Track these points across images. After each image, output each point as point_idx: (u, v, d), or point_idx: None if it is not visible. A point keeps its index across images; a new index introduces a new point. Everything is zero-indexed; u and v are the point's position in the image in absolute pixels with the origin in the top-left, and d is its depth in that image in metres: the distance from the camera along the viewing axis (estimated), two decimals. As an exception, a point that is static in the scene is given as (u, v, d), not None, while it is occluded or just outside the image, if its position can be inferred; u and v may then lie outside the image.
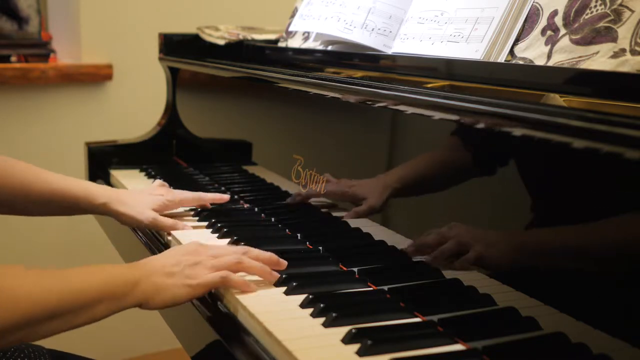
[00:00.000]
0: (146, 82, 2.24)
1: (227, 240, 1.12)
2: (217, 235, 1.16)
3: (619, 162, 0.64)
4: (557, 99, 0.79)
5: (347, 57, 1.23)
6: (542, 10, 0.96)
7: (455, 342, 0.78)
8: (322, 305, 0.85)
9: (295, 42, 1.49)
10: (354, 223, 1.09)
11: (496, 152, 0.84)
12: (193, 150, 1.76)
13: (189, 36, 1.75)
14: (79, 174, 1.85)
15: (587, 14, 0.89)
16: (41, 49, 2.21)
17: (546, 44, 0.94)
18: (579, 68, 0.86)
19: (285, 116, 1.38)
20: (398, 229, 0.99)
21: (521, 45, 0.97)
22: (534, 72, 0.87)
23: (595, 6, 0.89)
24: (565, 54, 0.90)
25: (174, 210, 1.28)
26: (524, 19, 0.98)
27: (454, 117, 0.87)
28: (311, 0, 1.38)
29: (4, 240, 2.17)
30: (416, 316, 0.85)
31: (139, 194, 1.27)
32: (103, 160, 1.72)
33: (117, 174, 1.62)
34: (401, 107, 0.96)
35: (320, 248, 1.09)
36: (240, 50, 1.56)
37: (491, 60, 0.99)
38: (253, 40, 1.59)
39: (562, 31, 0.92)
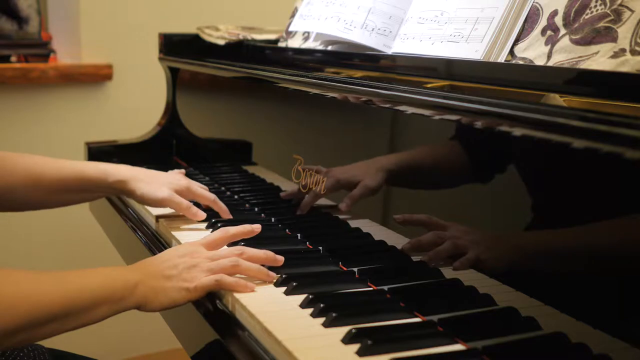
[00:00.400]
0: (146, 82, 2.24)
1: (227, 240, 1.12)
2: (217, 235, 1.16)
3: (619, 162, 0.64)
4: (557, 99, 0.79)
5: (347, 57, 1.23)
6: (542, 10, 0.96)
7: (455, 342, 0.78)
8: (322, 305, 0.85)
9: (295, 42, 1.49)
10: (353, 223, 1.09)
11: (496, 152, 0.84)
12: (193, 150, 1.76)
13: (189, 36, 1.75)
14: (79, 174, 1.85)
15: (587, 14, 0.89)
16: (41, 49, 2.21)
17: (546, 44, 0.94)
18: (579, 68, 0.86)
19: (285, 116, 1.38)
20: (398, 229, 0.99)
21: (521, 45, 0.97)
22: (534, 72, 0.87)
23: (595, 6, 0.89)
24: (565, 54, 0.90)
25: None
26: (524, 19, 0.98)
27: (454, 117, 0.87)
28: (311, 0, 1.38)
29: (4, 240, 2.17)
30: (416, 316, 0.85)
31: (155, 172, 1.26)
32: (103, 160, 1.71)
33: (117, 174, 1.62)
34: (401, 107, 0.96)
35: (320, 248, 1.09)
36: (240, 50, 1.56)
37: (491, 60, 0.99)
38: (253, 40, 1.59)
39: (562, 31, 0.92)
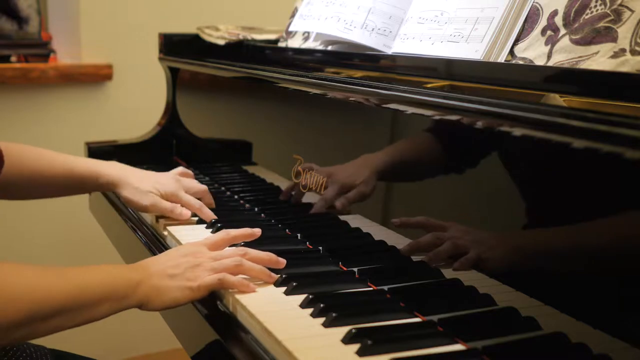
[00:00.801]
0: (146, 82, 2.24)
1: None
2: (217, 235, 1.16)
3: (619, 162, 0.64)
4: (557, 99, 0.79)
5: (347, 57, 1.23)
6: (542, 10, 0.96)
7: (455, 342, 0.78)
8: (322, 305, 0.85)
9: (295, 42, 1.49)
10: (354, 223, 1.09)
11: (497, 152, 0.84)
12: (193, 150, 1.76)
13: (189, 36, 1.75)
14: (79, 174, 1.85)
15: (587, 14, 0.89)
16: (41, 49, 2.21)
17: (546, 44, 0.94)
18: (579, 68, 0.86)
19: (285, 116, 1.38)
20: (398, 229, 0.99)
21: (521, 45, 0.97)
22: (534, 72, 0.87)
23: (595, 6, 0.89)
24: (565, 54, 0.90)
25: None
26: (524, 19, 0.98)
27: (454, 117, 0.87)
28: (311, 0, 1.38)
29: (4, 240, 2.17)
30: (416, 316, 0.85)
31: (145, 175, 1.27)
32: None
33: (117, 174, 1.62)
34: (401, 107, 0.96)
35: (320, 248, 1.09)
36: (240, 50, 1.56)
37: (491, 60, 0.99)
38: (253, 40, 1.59)
39: (562, 31, 0.92)
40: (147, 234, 1.25)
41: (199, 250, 0.96)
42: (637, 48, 0.82)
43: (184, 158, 1.76)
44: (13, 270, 0.81)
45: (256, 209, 1.31)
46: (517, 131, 0.76)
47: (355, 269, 0.99)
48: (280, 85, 1.27)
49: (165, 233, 1.21)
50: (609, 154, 0.65)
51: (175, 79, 1.80)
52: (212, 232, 1.18)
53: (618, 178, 0.68)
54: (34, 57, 2.19)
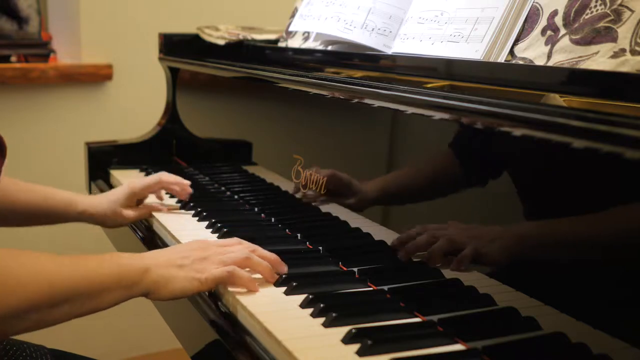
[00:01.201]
0: (146, 82, 2.24)
1: (227, 240, 1.12)
2: (217, 235, 1.16)
3: (619, 162, 0.64)
4: (557, 99, 0.79)
5: (347, 57, 1.23)
6: (542, 10, 0.96)
7: (455, 342, 0.78)
8: (322, 305, 0.85)
9: (295, 42, 1.49)
10: (354, 223, 1.09)
11: (497, 152, 0.84)
12: (193, 150, 1.76)
13: (189, 36, 1.75)
14: (79, 174, 1.85)
15: (587, 14, 0.89)
16: (41, 49, 2.21)
17: (546, 44, 0.94)
18: (579, 68, 0.86)
19: (285, 116, 1.38)
20: (398, 229, 0.99)
21: (521, 45, 0.97)
22: (534, 72, 0.87)
23: (595, 6, 0.89)
24: (565, 54, 0.90)
25: (180, 211, 1.30)
26: (524, 19, 0.98)
27: (454, 117, 0.87)
28: (311, 0, 1.38)
29: (4, 240, 2.17)
30: (416, 316, 0.85)
31: (104, 196, 1.31)
32: (103, 160, 1.72)
33: (117, 174, 1.62)
34: (401, 107, 0.96)
35: (320, 248, 1.09)
36: (240, 50, 1.56)
37: (491, 60, 0.99)
38: (253, 40, 1.59)
39: (562, 31, 0.92)
40: (146, 234, 1.25)
41: (208, 244, 0.96)
42: (637, 48, 0.82)
43: (184, 158, 1.76)
44: (31, 255, 0.82)
45: (256, 209, 1.31)
46: (517, 131, 0.76)
47: (355, 269, 0.99)
48: (280, 85, 1.27)
49: (164, 232, 1.21)
50: (609, 154, 0.65)
51: (175, 79, 1.80)
52: (212, 231, 1.18)
53: (618, 178, 0.68)
54: (34, 57, 2.19)
